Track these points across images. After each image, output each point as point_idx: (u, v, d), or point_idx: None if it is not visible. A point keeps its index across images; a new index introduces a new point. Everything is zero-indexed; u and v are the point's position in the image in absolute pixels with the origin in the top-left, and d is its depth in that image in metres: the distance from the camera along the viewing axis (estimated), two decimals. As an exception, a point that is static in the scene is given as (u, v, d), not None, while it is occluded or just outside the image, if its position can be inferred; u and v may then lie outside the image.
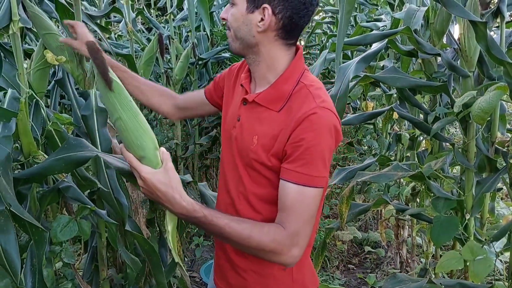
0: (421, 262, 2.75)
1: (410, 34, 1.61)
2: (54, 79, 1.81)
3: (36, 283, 1.13)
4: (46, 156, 1.29)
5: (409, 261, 2.96)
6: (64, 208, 1.64)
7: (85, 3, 2.85)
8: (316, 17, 4.53)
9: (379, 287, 2.93)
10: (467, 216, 1.70)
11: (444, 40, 1.96)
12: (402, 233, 3.02)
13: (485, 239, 1.72)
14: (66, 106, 2.60)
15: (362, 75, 1.74)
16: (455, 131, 5.05)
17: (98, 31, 1.90)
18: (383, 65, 2.72)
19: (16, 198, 1.10)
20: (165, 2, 3.31)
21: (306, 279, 1.25)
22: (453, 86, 1.90)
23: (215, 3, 3.42)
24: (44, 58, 1.38)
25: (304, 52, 5.44)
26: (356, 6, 3.76)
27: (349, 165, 3.73)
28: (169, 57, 3.40)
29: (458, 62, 1.75)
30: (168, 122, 3.90)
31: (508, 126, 1.90)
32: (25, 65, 1.34)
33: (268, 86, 1.15)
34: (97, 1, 2.18)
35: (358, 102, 3.94)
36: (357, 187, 4.02)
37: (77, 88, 1.74)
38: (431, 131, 1.71)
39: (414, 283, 1.61)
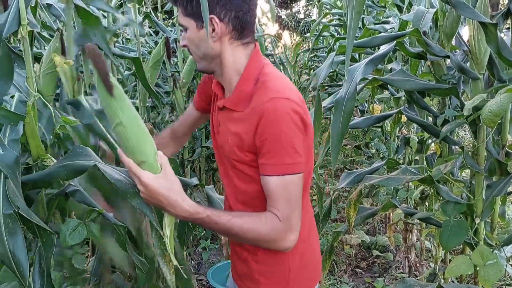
0: (430, 267, 2.72)
1: (419, 36, 1.59)
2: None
3: (44, 285, 1.13)
4: (54, 160, 1.29)
5: (418, 265, 2.93)
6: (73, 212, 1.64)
7: (92, 7, 2.86)
8: (324, 20, 4.52)
9: (388, 292, 2.91)
10: (477, 221, 1.67)
11: (453, 42, 1.94)
12: (410, 237, 2.99)
13: (496, 244, 1.70)
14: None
15: (370, 78, 1.73)
16: (465, 134, 5.01)
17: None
18: (391, 68, 2.70)
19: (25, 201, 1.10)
20: (172, 6, 3.31)
21: (305, 271, 1.30)
22: (462, 89, 1.88)
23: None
24: (53, 62, 1.38)
25: (311, 55, 5.44)
26: (363, 8, 3.75)
27: (356, 169, 3.72)
28: (176, 60, 3.41)
29: (468, 64, 1.73)
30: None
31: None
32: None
33: (234, 89, 1.22)
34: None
35: (366, 105, 3.92)
36: (365, 191, 4.00)
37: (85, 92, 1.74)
38: (440, 134, 1.69)
39: (423, 288, 1.59)
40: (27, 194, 1.19)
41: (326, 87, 3.95)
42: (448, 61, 1.88)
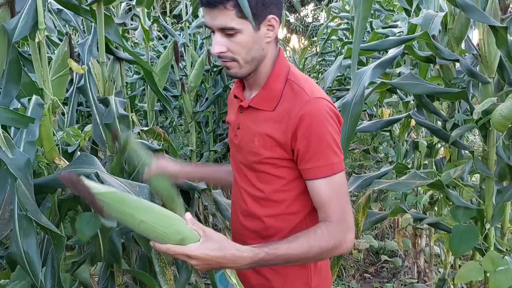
0: (439, 272, 2.69)
1: (428, 39, 1.59)
2: (76, 86, 1.83)
3: (55, 285, 1.14)
4: (67, 162, 1.30)
5: (427, 271, 2.90)
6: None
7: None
8: (332, 24, 4.52)
9: (396, 297, 2.89)
10: (487, 226, 1.66)
11: (463, 45, 1.93)
12: (419, 242, 2.97)
13: (506, 250, 1.68)
14: (83, 113, 2.63)
15: (378, 82, 1.72)
16: (474, 138, 4.97)
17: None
18: (399, 72, 2.69)
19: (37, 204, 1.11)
20: (181, 10, 3.34)
21: (321, 275, 1.28)
22: (472, 93, 1.87)
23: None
24: (67, 67, 1.39)
25: (319, 59, 5.44)
26: (371, 12, 3.74)
27: (365, 173, 3.70)
28: (184, 64, 3.42)
29: (478, 68, 1.72)
30: (183, 129, 3.92)
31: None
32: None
33: (261, 88, 1.18)
34: (113, 10, 2.21)
35: (375, 109, 3.91)
36: (374, 195, 3.98)
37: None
38: (450, 138, 1.68)
39: (432, 294, 1.58)
40: (37, 197, 1.20)
41: (334, 91, 3.94)
42: (457, 64, 1.87)
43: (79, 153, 1.53)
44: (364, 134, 4.46)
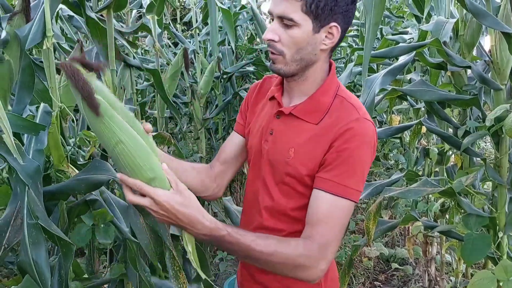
0: (451, 281, 2.65)
1: (439, 46, 1.57)
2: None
3: (63, 294, 1.14)
4: (77, 171, 1.31)
5: (438, 279, 2.86)
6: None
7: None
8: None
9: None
10: (500, 234, 1.63)
11: (474, 52, 1.91)
12: (430, 250, 2.93)
13: (520, 259, 1.65)
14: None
15: (389, 89, 1.71)
16: (485, 146, 4.92)
17: (127, 45, 1.93)
18: (410, 78, 2.68)
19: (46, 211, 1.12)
20: (191, 17, 3.36)
21: (333, 283, 1.22)
22: (483, 100, 1.85)
23: (240, 17, 3.45)
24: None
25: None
26: (381, 19, 3.74)
27: (375, 180, 3.67)
28: (194, 71, 3.44)
29: (490, 74, 1.71)
30: (193, 136, 3.93)
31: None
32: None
33: (306, 98, 1.13)
34: (124, 17, 2.22)
35: (385, 116, 3.88)
36: (384, 203, 3.95)
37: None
38: (462, 145, 1.66)
39: (445, 303, 1.55)
40: (47, 204, 1.21)
41: None
42: (469, 71, 1.85)
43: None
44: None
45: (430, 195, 2.57)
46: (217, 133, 3.70)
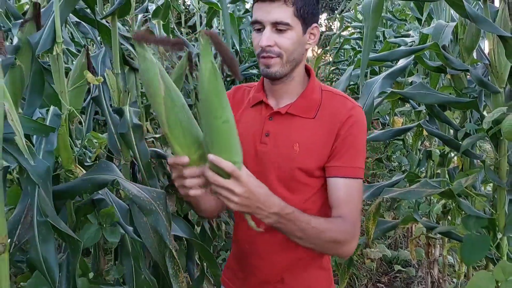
0: (453, 282, 2.68)
1: (438, 50, 1.61)
2: (91, 96, 1.89)
3: (70, 289, 1.18)
4: (84, 171, 1.35)
5: (441, 281, 2.88)
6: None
7: (117, 23, 2.97)
8: (345, 33, 4.54)
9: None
10: (499, 235, 1.65)
11: (475, 55, 1.94)
12: (433, 251, 2.95)
13: (519, 259, 1.67)
14: (99, 121, 2.69)
15: (389, 91, 1.74)
16: (489, 148, 4.92)
17: (132, 50, 1.97)
18: (411, 81, 2.70)
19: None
20: (195, 21, 3.40)
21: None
22: (484, 102, 1.87)
23: (244, 21, 3.49)
24: (84, 78, 1.44)
25: (332, 68, 5.44)
26: (384, 22, 3.77)
27: (378, 182, 3.69)
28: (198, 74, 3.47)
29: (489, 77, 1.73)
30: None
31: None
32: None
33: (298, 97, 1.23)
34: (130, 21, 2.26)
35: (388, 118, 3.91)
36: (387, 204, 3.97)
37: (111, 105, 1.81)
38: (461, 147, 1.69)
39: (444, 303, 1.58)
40: (55, 203, 1.25)
41: None
42: (469, 74, 1.88)
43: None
44: (377, 142, 4.46)
45: (433, 197, 2.60)
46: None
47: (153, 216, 1.12)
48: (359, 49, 4.00)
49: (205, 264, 1.86)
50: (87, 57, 1.65)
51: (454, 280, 2.71)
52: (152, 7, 2.38)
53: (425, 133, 2.96)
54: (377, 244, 3.51)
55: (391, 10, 3.77)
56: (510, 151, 1.67)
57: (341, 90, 1.77)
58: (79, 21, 2.03)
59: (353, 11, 4.70)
